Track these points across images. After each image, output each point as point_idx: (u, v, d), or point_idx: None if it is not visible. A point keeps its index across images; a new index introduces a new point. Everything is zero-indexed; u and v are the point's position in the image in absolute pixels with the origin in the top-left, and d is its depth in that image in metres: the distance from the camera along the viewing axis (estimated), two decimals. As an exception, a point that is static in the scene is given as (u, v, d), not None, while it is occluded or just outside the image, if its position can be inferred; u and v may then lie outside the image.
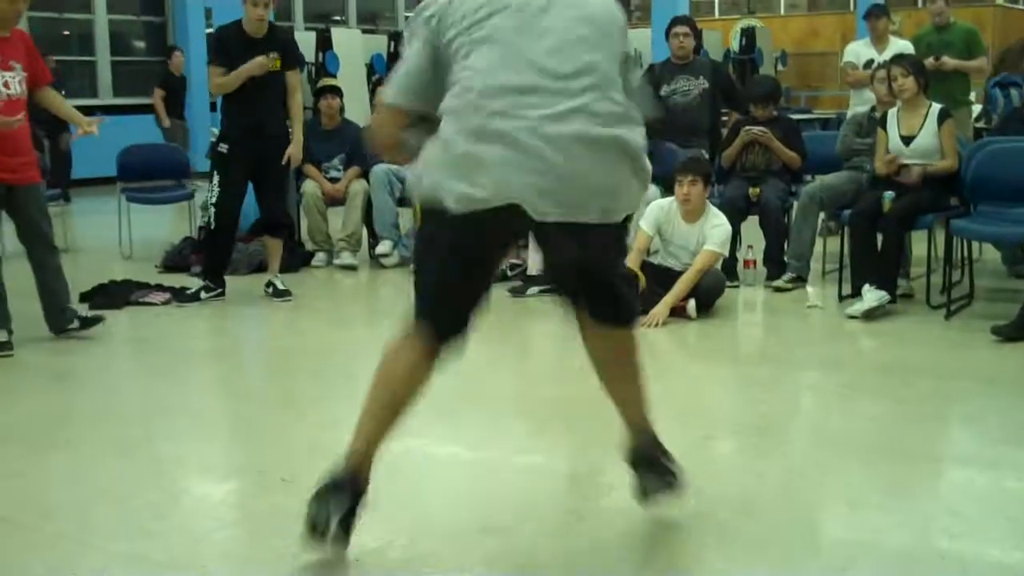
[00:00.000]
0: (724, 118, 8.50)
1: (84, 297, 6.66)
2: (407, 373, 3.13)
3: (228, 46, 6.85)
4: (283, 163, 7.01)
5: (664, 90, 8.03)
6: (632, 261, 6.38)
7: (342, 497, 3.09)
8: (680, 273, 6.31)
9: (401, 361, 3.13)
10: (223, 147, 6.92)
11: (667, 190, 6.75)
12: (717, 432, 4.56)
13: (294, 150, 7.02)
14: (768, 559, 3.14)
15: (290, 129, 7.06)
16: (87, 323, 6.00)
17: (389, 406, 3.13)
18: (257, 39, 6.83)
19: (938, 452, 4.29)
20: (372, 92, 10.22)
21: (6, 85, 5.63)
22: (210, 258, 7.15)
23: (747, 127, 7.40)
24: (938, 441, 4.43)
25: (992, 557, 3.18)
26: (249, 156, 6.87)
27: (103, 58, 15.77)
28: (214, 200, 6.91)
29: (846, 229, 6.69)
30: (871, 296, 6.17)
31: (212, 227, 6.99)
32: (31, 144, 5.90)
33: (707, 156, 7.64)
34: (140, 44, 17.09)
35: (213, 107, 11.28)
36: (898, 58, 6.82)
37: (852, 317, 6.16)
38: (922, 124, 6.51)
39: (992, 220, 6.36)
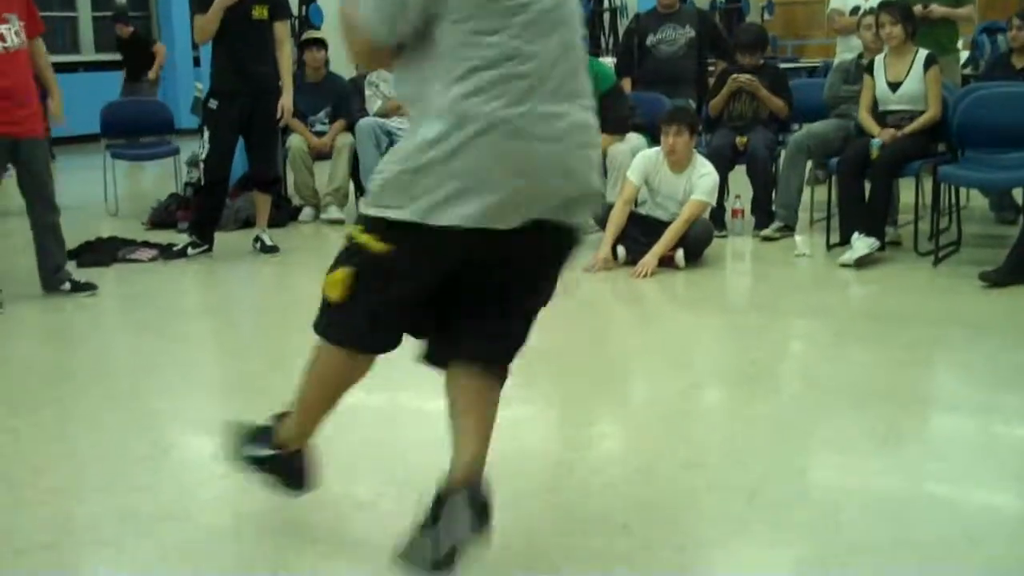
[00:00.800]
0: (711, 67, 8.46)
1: (71, 255, 6.63)
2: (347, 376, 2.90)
3: None
4: (275, 116, 6.97)
5: (650, 39, 7.99)
6: (619, 211, 6.38)
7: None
8: (668, 223, 6.30)
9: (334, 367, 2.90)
10: (213, 103, 6.86)
11: (654, 140, 6.73)
12: (706, 380, 4.57)
13: (286, 101, 6.96)
14: (758, 505, 3.16)
15: (280, 82, 7.00)
16: (78, 287, 5.99)
17: (329, 401, 2.96)
18: None
19: (927, 397, 4.32)
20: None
21: (1, 38, 5.58)
22: (199, 214, 7.12)
23: (734, 75, 7.36)
24: (927, 386, 4.46)
25: (980, 500, 3.21)
26: (239, 111, 6.82)
27: (84, 13, 15.59)
28: (204, 156, 6.87)
29: (834, 177, 6.69)
30: (860, 244, 6.18)
31: (203, 183, 6.96)
32: (36, 97, 5.84)
33: (694, 106, 7.62)
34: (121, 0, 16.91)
35: (196, 62, 11.19)
36: (885, 5, 6.78)
37: (842, 265, 6.17)
38: (908, 70, 6.49)
39: (979, 166, 6.36)
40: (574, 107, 2.62)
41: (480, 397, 2.85)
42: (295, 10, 15.80)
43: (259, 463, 3.07)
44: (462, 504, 2.61)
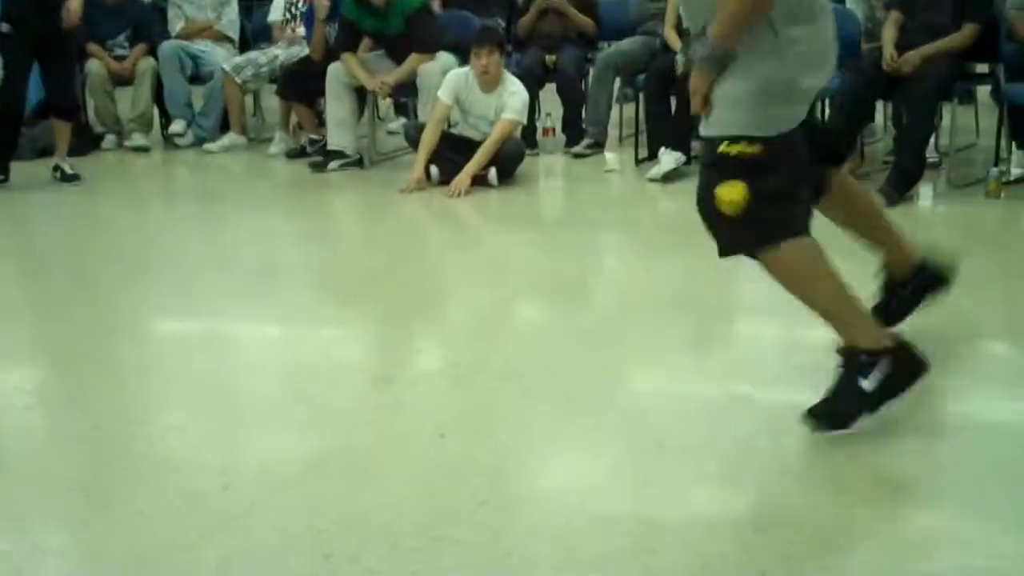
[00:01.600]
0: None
1: None
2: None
3: None
4: (70, 38, 6.67)
5: (459, -42, 7.93)
6: (430, 131, 6.36)
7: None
8: (480, 143, 6.32)
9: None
10: (5, 27, 6.53)
11: (463, 60, 6.72)
12: (521, 294, 4.63)
13: (73, 3, 6.59)
14: (570, 410, 3.23)
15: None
16: None
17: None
18: None
19: (732, 304, 4.45)
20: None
21: None
22: (-5, 144, 6.80)
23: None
24: (732, 294, 4.59)
25: (780, 398, 3.34)
26: (33, 34, 6.50)
27: None
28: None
29: (641, 94, 6.79)
30: (667, 159, 6.31)
31: None
32: None
33: (503, 25, 7.62)
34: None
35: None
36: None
37: (650, 180, 6.30)
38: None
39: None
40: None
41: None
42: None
43: (886, 391, 2.93)
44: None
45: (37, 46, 6.55)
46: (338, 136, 6.97)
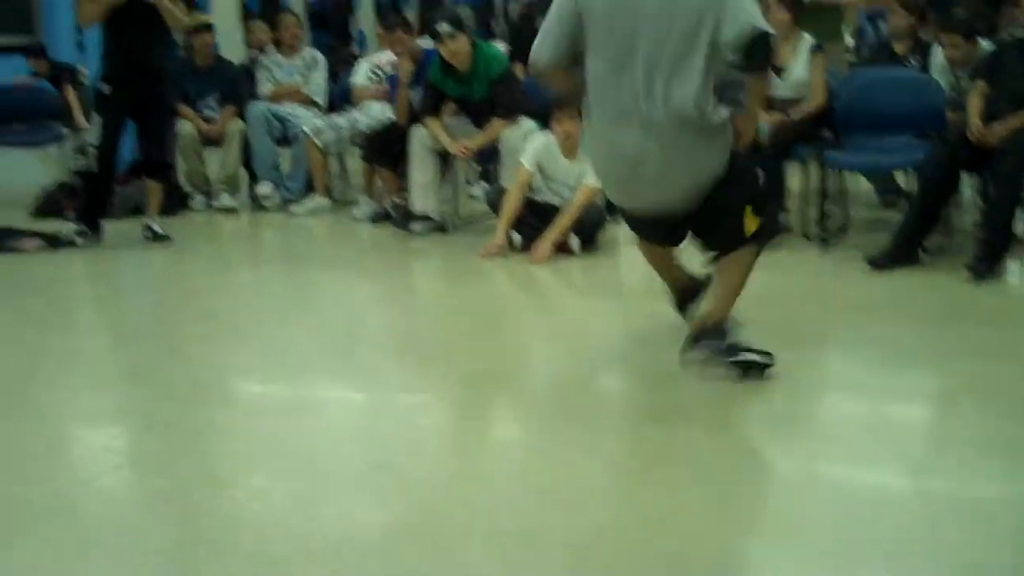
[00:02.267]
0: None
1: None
2: None
3: None
4: (167, 100, 6.86)
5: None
6: (513, 197, 6.40)
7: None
8: (562, 209, 6.34)
9: None
10: (105, 88, 6.73)
11: (546, 126, 6.76)
12: (602, 364, 4.63)
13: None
14: (650, 485, 3.21)
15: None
16: None
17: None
18: None
19: (817, 379, 4.40)
20: (245, 28, 9.99)
21: None
22: (88, 202, 6.97)
23: None
24: (816, 368, 4.55)
25: (868, 479, 3.29)
26: (130, 95, 6.70)
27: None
28: (96, 142, 6.74)
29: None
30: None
31: (92, 170, 6.82)
32: None
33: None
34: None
35: (80, 47, 10.95)
36: (773, -11, 6.90)
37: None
38: (794, 56, 6.61)
39: (863, 151, 6.50)
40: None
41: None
42: (183, -6, 15.57)
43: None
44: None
45: (134, 107, 6.73)
46: (421, 200, 7.04)
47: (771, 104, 6.61)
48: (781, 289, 5.71)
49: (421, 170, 7.04)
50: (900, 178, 7.53)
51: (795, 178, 7.13)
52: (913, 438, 3.66)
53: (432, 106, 7.07)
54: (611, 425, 3.78)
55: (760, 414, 3.87)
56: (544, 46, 4.06)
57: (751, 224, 4.16)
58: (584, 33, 3.99)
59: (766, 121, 6.45)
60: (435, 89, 7.04)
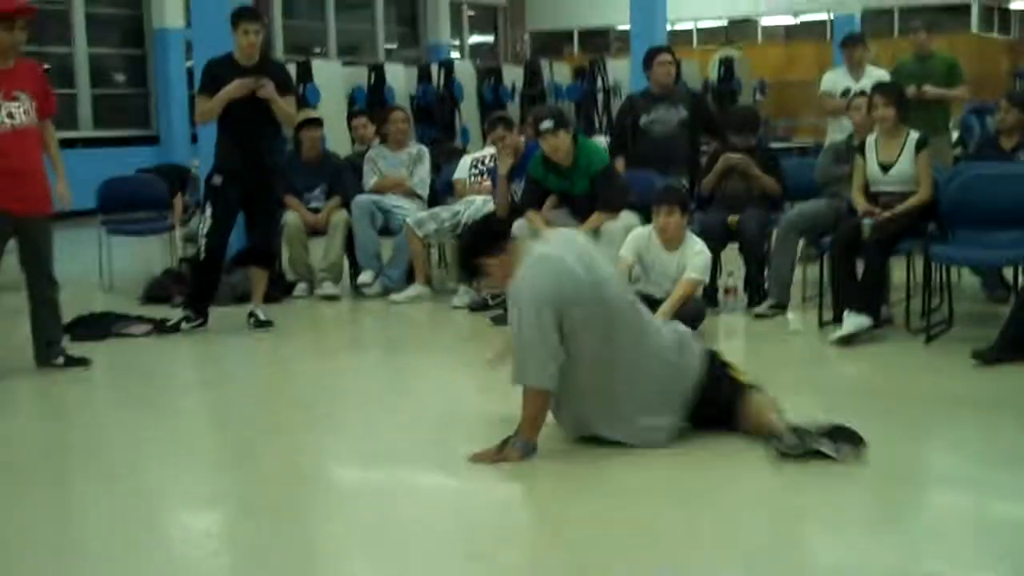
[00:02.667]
0: (704, 148, 8.54)
1: (65, 329, 6.64)
2: None
3: (217, 76, 6.85)
4: (276, 193, 7.03)
5: (643, 120, 8.07)
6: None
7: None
8: (662, 301, 6.32)
9: None
10: (217, 179, 6.92)
11: (646, 219, 6.78)
12: (698, 456, 4.57)
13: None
14: (753, 582, 3.16)
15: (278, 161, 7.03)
16: (72, 362, 6.00)
17: None
18: (248, 67, 6.83)
19: (920, 474, 4.31)
20: (350, 124, 10.23)
21: (10, 115, 5.65)
22: (196, 288, 7.13)
23: (726, 155, 7.44)
24: (920, 464, 4.45)
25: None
26: (242, 187, 6.88)
27: (83, 90, 15.76)
28: (206, 231, 6.90)
29: (825, 256, 6.73)
30: (851, 321, 6.19)
31: (201, 258, 6.99)
32: (42, 175, 5.87)
33: (687, 185, 7.69)
34: (120, 77, 17.10)
35: (194, 139, 11.28)
36: (879, 86, 6.88)
37: (833, 343, 6.18)
38: (900, 152, 6.56)
39: (969, 245, 6.40)
40: None
41: None
42: (291, 89, 16.01)
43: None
44: None
45: (244, 198, 6.91)
46: None
47: (876, 199, 6.55)
48: (884, 382, 5.61)
49: None
50: (1008, 273, 7.39)
51: (899, 271, 7.04)
52: (1018, 539, 3.54)
53: (533, 199, 7.14)
54: (699, 522, 3.72)
55: (861, 508, 3.78)
56: None
57: None
58: None
59: (870, 215, 6.40)
60: (536, 183, 7.12)
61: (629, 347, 4.28)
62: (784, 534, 3.57)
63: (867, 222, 6.41)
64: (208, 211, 6.92)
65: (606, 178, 7.02)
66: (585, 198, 6.97)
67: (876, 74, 8.81)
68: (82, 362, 6.03)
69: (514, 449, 4.21)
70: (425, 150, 8.72)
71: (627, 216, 6.99)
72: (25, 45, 5.88)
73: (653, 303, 6.32)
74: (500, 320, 6.95)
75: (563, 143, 6.91)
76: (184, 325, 6.96)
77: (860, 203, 6.59)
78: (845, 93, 8.62)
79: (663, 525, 3.65)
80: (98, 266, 8.79)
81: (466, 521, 3.75)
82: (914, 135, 6.59)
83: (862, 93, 7.49)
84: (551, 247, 4.34)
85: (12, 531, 3.75)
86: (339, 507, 3.93)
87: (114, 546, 3.55)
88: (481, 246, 4.54)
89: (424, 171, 8.55)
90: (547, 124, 6.91)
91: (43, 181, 5.87)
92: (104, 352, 6.47)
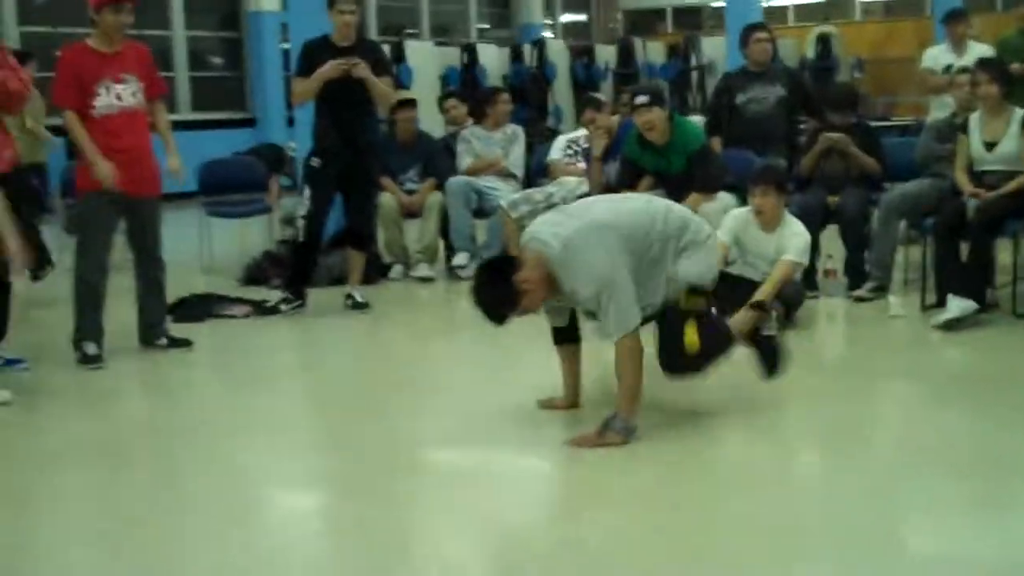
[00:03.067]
0: (801, 126, 8.40)
1: (168, 310, 6.76)
2: None
3: (314, 57, 6.90)
4: (374, 175, 7.07)
5: (739, 98, 7.96)
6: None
7: None
8: (759, 283, 6.24)
9: None
10: (316, 161, 6.97)
11: (743, 200, 6.70)
12: (799, 443, 4.52)
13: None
14: (855, 571, 3.10)
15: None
16: (175, 343, 6.10)
17: None
18: (344, 47, 6.86)
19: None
20: (441, 104, 10.24)
21: (119, 97, 5.75)
22: (293, 270, 7.20)
23: (825, 134, 7.31)
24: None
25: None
26: (340, 169, 6.92)
27: (181, 74, 16.00)
28: (305, 213, 6.96)
29: (928, 238, 6.59)
30: (956, 305, 6.05)
31: (300, 240, 7.06)
32: (151, 156, 5.96)
33: (784, 164, 7.58)
34: (217, 60, 17.34)
35: (290, 122, 11.38)
36: (982, 63, 6.71)
37: (936, 327, 6.05)
38: (1005, 130, 6.40)
39: (1079, 226, 6.23)
40: None
41: None
42: (385, 70, 16.10)
43: None
44: None
45: (341, 180, 6.95)
46: None
47: (980, 178, 6.40)
48: (989, 368, 5.49)
49: None
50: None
51: (1004, 254, 6.87)
52: None
53: (629, 180, 7.09)
54: (804, 505, 3.68)
55: (966, 497, 3.70)
56: None
57: None
58: None
59: (975, 196, 6.26)
60: (632, 163, 7.07)
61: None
62: (885, 521, 3.50)
63: (971, 203, 6.26)
64: (307, 193, 6.98)
65: (703, 158, 6.95)
66: (682, 177, 6.90)
67: (979, 50, 8.59)
68: (184, 343, 6.13)
69: (614, 432, 4.19)
70: (520, 131, 8.73)
71: (724, 197, 6.91)
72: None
73: (751, 286, 6.25)
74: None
75: (658, 119, 6.84)
76: (283, 307, 7.04)
77: (964, 183, 6.45)
78: (947, 70, 8.42)
79: (764, 513, 3.61)
80: (198, 247, 8.93)
81: (564, 508, 3.75)
82: (1019, 113, 6.42)
83: (964, 70, 7.31)
84: (566, 226, 4.33)
85: (116, 511, 3.83)
86: (437, 490, 3.95)
87: (217, 526, 3.61)
88: (497, 274, 4.34)
89: (519, 152, 8.55)
90: (642, 99, 6.86)
91: (152, 162, 5.95)
92: (205, 334, 6.58)
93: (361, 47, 6.96)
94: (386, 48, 16.38)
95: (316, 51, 6.93)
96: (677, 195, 6.91)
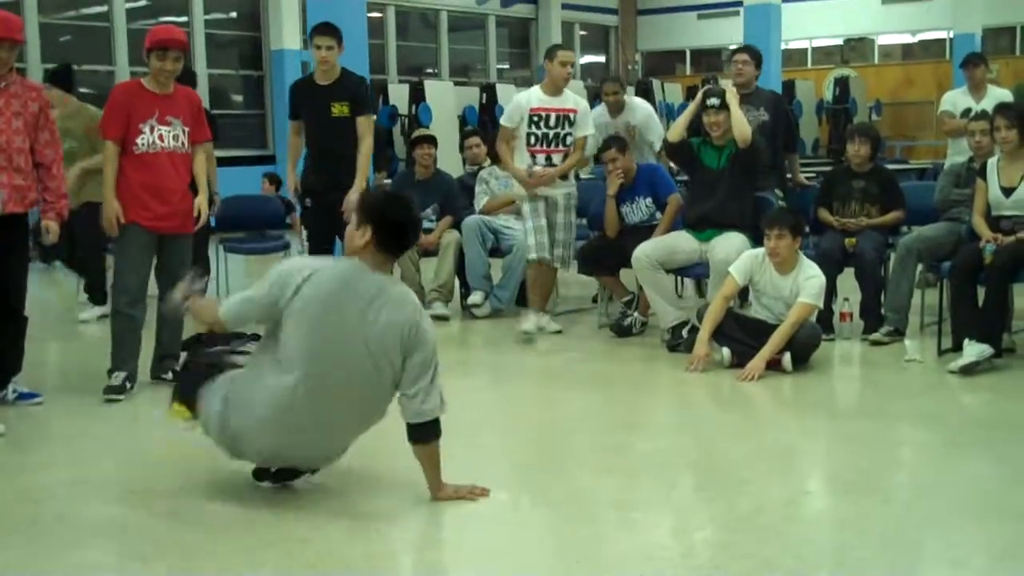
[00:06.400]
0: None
1: (184, 346, 6.72)
2: None
3: (297, 98, 6.93)
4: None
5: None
6: (717, 306, 6.33)
7: None
8: (774, 326, 6.23)
9: None
10: (308, 201, 6.99)
11: (756, 240, 6.69)
12: (815, 487, 4.50)
13: (351, 195, 6.84)
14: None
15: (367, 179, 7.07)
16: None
17: None
18: (323, 86, 6.89)
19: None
20: (462, 143, 10.27)
21: (160, 138, 5.82)
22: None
23: (842, 220, 7.24)
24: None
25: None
26: (331, 208, 6.86)
27: (203, 111, 16.12)
28: (305, 252, 6.97)
29: (945, 282, 6.56)
30: (972, 350, 6.02)
31: None
32: (187, 196, 5.98)
33: (780, 195, 7.61)
34: (238, 98, 17.45)
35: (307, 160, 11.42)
36: (1001, 107, 6.70)
37: (952, 372, 6.02)
38: (1022, 176, 6.38)
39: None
40: None
41: None
42: (404, 109, 16.18)
43: None
44: None
45: (337, 219, 6.85)
46: (673, 311, 6.95)
47: (998, 223, 6.38)
48: (1006, 414, 5.45)
49: (661, 286, 7.04)
50: None
51: (1021, 298, 6.85)
52: None
53: (685, 159, 7.36)
54: (819, 552, 3.65)
55: (986, 547, 3.66)
56: None
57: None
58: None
59: (992, 241, 6.24)
60: (692, 149, 7.26)
61: None
62: (899, 570, 3.47)
63: (988, 248, 6.24)
64: (304, 234, 7.00)
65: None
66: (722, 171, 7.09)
67: (998, 94, 8.60)
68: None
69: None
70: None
71: (738, 238, 6.88)
72: (146, 68, 5.99)
73: (766, 328, 6.25)
74: (676, 346, 6.85)
75: (725, 121, 7.02)
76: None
77: (982, 229, 6.42)
78: (966, 113, 8.42)
79: (777, 557, 3.58)
80: (216, 284, 8.94)
81: (577, 550, 3.72)
82: (1038, 157, 6.41)
83: (983, 114, 7.31)
84: None
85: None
86: (451, 531, 3.93)
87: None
88: None
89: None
90: (713, 100, 7.05)
91: (187, 202, 5.98)
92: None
93: (341, 84, 6.99)
94: (406, 88, 16.52)
95: (300, 91, 6.99)
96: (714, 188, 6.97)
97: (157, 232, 5.89)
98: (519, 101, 7.41)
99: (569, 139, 7.34)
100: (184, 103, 5.98)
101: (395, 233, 4.04)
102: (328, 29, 7.08)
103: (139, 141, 5.78)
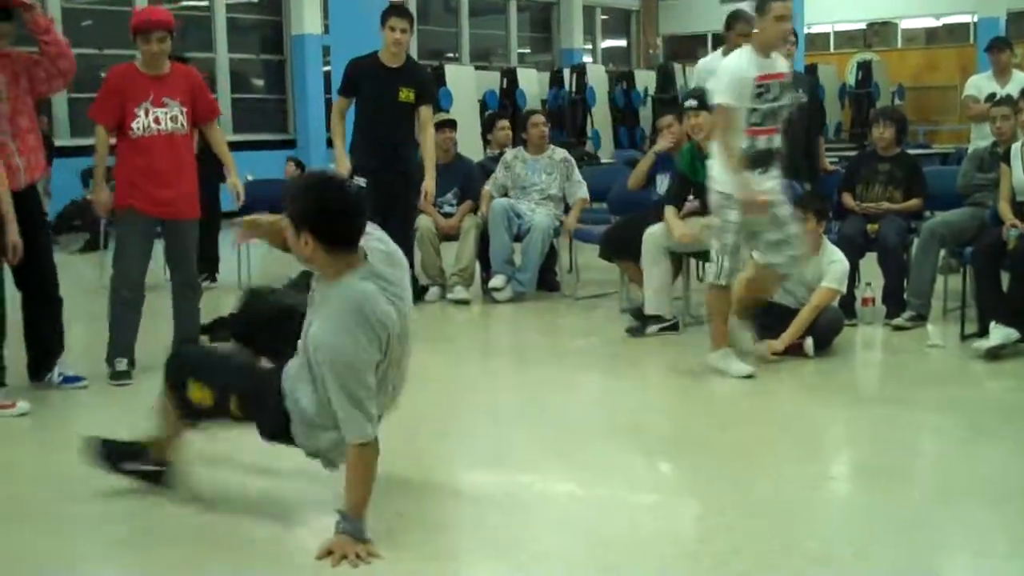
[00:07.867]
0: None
1: (204, 330, 6.76)
2: None
3: (357, 76, 6.89)
4: (415, 199, 7.05)
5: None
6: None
7: None
8: (796, 310, 6.21)
9: None
10: (360, 181, 6.99)
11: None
12: (836, 473, 4.49)
13: (428, 184, 6.99)
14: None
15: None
16: None
17: None
18: (392, 68, 6.86)
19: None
20: (484, 127, 10.25)
21: (156, 120, 5.79)
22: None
23: (863, 204, 7.20)
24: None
25: None
26: (381, 190, 6.89)
27: (224, 96, 16.10)
28: None
29: (968, 267, 6.53)
30: (999, 333, 5.97)
31: None
32: (188, 179, 5.97)
33: (807, 187, 7.55)
34: (259, 82, 17.46)
35: (330, 143, 11.42)
36: (1025, 93, 6.66)
37: (978, 355, 5.98)
38: (1048, 159, 6.35)
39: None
40: None
41: None
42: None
43: None
44: None
45: (383, 202, 6.89)
46: (655, 302, 6.95)
47: (1022, 209, 6.34)
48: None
49: (655, 272, 6.98)
50: None
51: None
52: None
53: (678, 197, 6.99)
54: (841, 536, 3.64)
55: (1006, 533, 3.65)
56: None
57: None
58: None
59: (1016, 226, 6.20)
60: (684, 179, 6.98)
61: None
62: (919, 556, 3.46)
63: (1012, 232, 6.20)
64: None
65: None
66: None
67: (1022, 78, 8.53)
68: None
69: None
70: (571, 158, 8.56)
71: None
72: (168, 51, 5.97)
73: (788, 312, 6.23)
74: (635, 332, 6.87)
75: (705, 123, 6.74)
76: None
77: (1007, 214, 6.38)
78: (991, 98, 8.37)
79: (799, 543, 3.57)
80: (237, 268, 8.97)
81: (599, 534, 3.72)
82: (1064, 142, 6.37)
83: (1007, 99, 7.26)
84: None
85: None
86: (471, 515, 3.94)
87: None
88: None
89: (577, 177, 8.40)
90: (691, 103, 6.88)
91: (190, 186, 5.97)
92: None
93: (409, 69, 6.96)
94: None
95: (361, 69, 6.93)
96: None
97: (158, 217, 5.88)
98: (734, 70, 5.71)
99: (784, 113, 5.90)
100: (182, 83, 5.93)
101: (338, 228, 3.59)
102: (404, 12, 7.10)
103: (134, 125, 5.75)
